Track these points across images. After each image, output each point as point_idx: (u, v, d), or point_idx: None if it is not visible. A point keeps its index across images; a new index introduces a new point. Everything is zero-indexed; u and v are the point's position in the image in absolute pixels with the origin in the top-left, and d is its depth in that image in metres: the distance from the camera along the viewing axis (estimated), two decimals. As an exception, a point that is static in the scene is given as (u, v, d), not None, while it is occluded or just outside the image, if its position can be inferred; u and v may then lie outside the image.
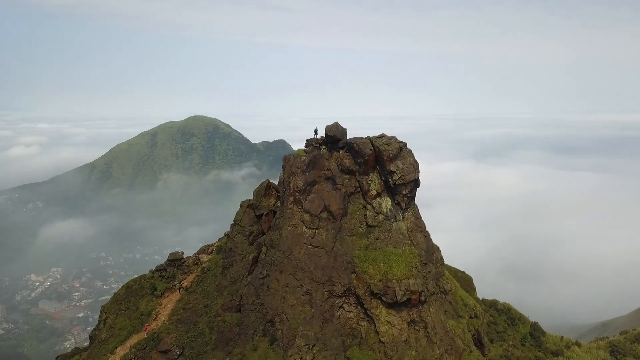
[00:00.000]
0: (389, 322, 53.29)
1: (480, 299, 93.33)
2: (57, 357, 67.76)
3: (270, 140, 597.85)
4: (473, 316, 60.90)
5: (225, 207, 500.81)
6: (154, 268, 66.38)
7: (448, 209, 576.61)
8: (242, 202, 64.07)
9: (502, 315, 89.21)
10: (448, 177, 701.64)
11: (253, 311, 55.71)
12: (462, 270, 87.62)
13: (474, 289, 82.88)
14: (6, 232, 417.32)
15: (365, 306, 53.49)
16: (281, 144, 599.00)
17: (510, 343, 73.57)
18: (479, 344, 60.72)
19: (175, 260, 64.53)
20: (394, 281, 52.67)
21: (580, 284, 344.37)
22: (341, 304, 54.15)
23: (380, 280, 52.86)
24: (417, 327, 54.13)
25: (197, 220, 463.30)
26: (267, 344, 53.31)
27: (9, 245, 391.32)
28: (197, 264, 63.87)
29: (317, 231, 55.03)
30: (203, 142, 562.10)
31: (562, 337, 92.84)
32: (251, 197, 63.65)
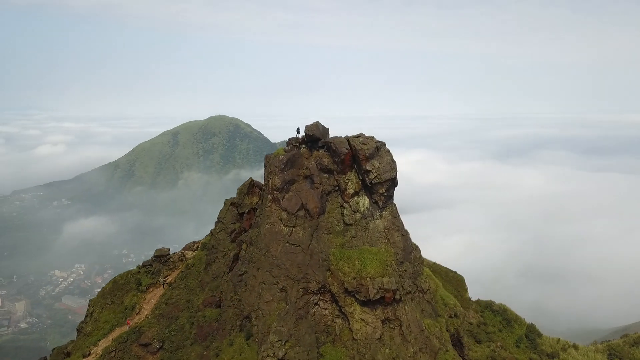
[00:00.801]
0: (362, 319, 53.78)
1: (476, 299, 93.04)
2: (53, 349, 70.07)
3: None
4: (453, 316, 60.94)
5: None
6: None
7: (469, 209, 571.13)
8: (226, 200, 65.39)
9: (498, 317, 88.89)
10: (470, 178, 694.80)
11: (231, 307, 56.88)
12: (453, 270, 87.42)
13: (466, 290, 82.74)
14: (32, 229, 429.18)
15: (339, 304, 54.13)
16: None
17: (499, 344, 73.26)
18: (459, 343, 60.73)
19: (161, 257, 66.19)
20: (368, 279, 53.12)
21: (603, 287, 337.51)
22: (316, 301, 54.86)
23: (354, 278, 53.38)
24: (392, 326, 54.48)
25: (216, 218, 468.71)
26: (243, 339, 54.37)
27: (35, 241, 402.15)
28: (182, 260, 65.39)
29: (294, 229, 55.85)
30: (224, 142, 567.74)
31: (559, 339, 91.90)
32: None
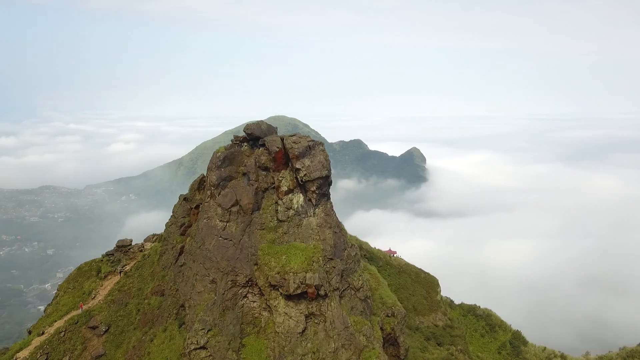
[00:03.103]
0: (286, 313, 55.37)
1: (459, 303, 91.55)
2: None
3: (347, 139, 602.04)
4: (390, 315, 61.02)
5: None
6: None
7: (531, 213, 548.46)
8: (180, 195, 68.79)
9: (481, 321, 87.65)
10: (535, 181, 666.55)
11: (170, 296, 60.26)
12: (426, 272, 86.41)
13: (437, 291, 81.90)
14: (100, 221, 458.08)
15: (265, 297, 56.02)
16: (357, 143, 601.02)
17: (459, 347, 72.17)
18: (395, 342, 60.77)
19: (123, 247, 70.82)
20: (291, 274, 54.60)
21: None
22: (245, 293, 57.02)
23: (278, 273, 55.04)
24: (316, 321, 55.68)
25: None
26: (176, 327, 57.54)
27: (101, 232, 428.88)
28: (141, 250, 69.63)
29: (228, 224, 58.31)
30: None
31: (545, 347, 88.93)
32: None
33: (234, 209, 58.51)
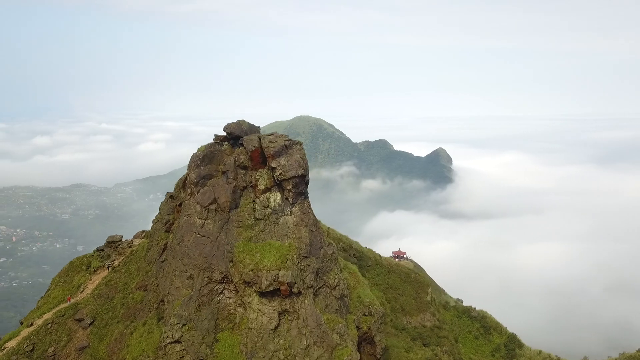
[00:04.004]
0: (259, 310, 56.26)
1: (453, 304, 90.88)
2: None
3: (372, 139, 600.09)
4: (367, 314, 61.22)
5: (323, 204, 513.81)
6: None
7: (560, 216, 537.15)
8: (167, 193, 70.39)
9: (475, 323, 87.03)
10: (565, 182, 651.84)
11: (152, 291, 61.85)
12: (416, 272, 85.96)
13: (427, 292, 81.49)
14: (128, 219, 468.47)
15: (240, 293, 57.00)
16: (382, 143, 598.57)
17: (444, 348, 71.77)
18: (372, 341, 60.95)
19: (113, 242, 72.90)
20: (264, 271, 55.47)
21: None
22: (221, 289, 58.09)
23: (251, 270, 55.95)
24: (289, 318, 56.41)
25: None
26: (155, 321, 59.03)
27: (128, 229, 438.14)
28: (129, 246, 71.57)
29: (206, 221, 59.52)
30: (307, 141, 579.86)
31: (540, 351, 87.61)
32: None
33: (212, 206, 59.67)
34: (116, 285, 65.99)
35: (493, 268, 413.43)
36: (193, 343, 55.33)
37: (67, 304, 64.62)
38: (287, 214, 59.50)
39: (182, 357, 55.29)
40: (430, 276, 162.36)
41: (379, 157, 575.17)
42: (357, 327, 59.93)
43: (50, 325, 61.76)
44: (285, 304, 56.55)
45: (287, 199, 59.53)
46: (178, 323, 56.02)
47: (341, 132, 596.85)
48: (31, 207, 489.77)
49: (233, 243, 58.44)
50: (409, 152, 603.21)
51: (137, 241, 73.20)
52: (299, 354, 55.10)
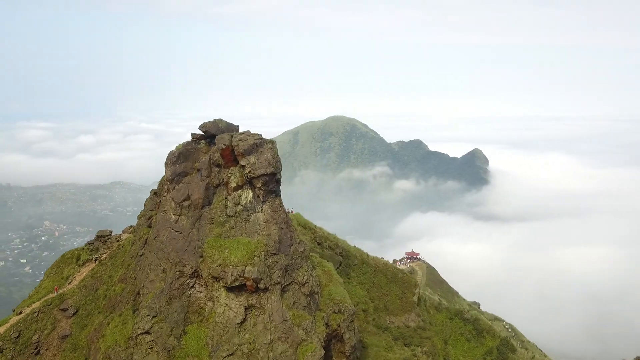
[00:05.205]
0: (226, 304, 57.58)
1: (446, 306, 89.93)
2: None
3: (406, 140, 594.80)
4: (337, 311, 61.52)
5: (354, 205, 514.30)
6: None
7: (602, 219, 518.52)
8: (152, 190, 72.58)
9: (468, 325, 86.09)
10: (610, 185, 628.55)
11: (130, 284, 64.11)
12: (404, 272, 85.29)
13: (414, 292, 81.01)
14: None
15: (208, 288, 58.45)
16: (417, 143, 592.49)
17: (425, 349, 71.34)
18: (342, 338, 61.25)
19: (102, 237, 75.85)
20: (231, 267, 56.75)
21: None
22: (192, 284, 59.68)
23: (219, 265, 57.33)
24: (256, 313, 57.50)
25: (325, 215, 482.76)
26: (130, 313, 61.18)
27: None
28: (117, 241, 74.23)
29: (180, 217, 61.30)
30: (340, 142, 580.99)
31: (534, 356, 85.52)
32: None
33: (186, 203, 61.39)
34: (101, 277, 68.70)
35: (528, 272, 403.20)
36: (162, 334, 57.13)
37: (54, 294, 67.71)
38: (258, 212, 60.57)
39: (152, 347, 57.20)
40: (444, 278, 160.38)
41: (414, 157, 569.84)
42: (326, 324, 60.35)
43: (36, 314, 64.92)
44: (252, 299, 57.66)
45: (258, 196, 60.60)
46: (149, 315, 57.95)
47: (375, 132, 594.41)
48: (73, 204, 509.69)
49: (204, 239, 59.95)
50: (445, 152, 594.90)
51: (124, 236, 75.93)
52: (263, 348, 56.08)
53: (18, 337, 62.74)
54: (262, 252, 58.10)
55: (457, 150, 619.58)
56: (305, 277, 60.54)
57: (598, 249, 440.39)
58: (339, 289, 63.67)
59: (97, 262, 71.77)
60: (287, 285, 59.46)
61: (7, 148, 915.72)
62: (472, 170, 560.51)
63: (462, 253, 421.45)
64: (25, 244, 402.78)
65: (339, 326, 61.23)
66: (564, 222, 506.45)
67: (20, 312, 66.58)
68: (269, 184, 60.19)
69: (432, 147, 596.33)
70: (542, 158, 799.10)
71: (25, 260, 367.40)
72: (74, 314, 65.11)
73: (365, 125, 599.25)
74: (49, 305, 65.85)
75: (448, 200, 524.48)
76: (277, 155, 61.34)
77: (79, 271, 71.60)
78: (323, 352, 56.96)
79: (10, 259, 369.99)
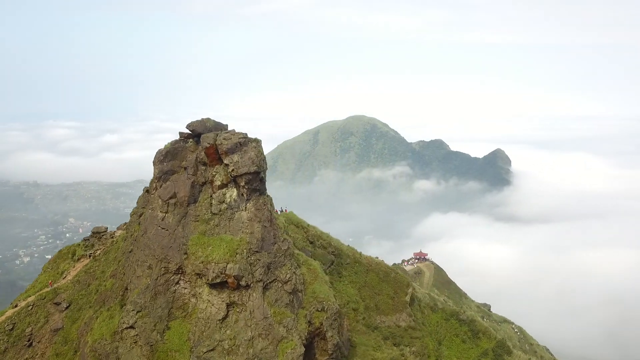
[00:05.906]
0: (209, 300, 58.51)
1: (442, 307, 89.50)
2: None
3: (427, 139, 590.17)
4: (320, 309, 61.78)
5: (373, 205, 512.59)
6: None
7: (627, 221, 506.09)
8: (144, 187, 73.94)
9: (464, 326, 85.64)
10: (637, 186, 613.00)
11: (119, 279, 65.53)
12: (397, 272, 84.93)
13: (407, 292, 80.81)
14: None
15: (192, 284, 59.44)
16: (438, 143, 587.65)
17: (413, 349, 71.19)
18: (325, 336, 61.50)
19: (98, 233, 77.66)
20: (213, 264, 57.64)
21: None
22: (177, 280, 60.76)
23: (202, 262, 58.28)
24: (237, 309, 58.27)
25: (344, 214, 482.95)
26: (118, 307, 62.58)
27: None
28: (112, 237, 75.90)
29: (166, 214, 62.47)
30: (360, 141, 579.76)
31: (530, 358, 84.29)
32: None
33: (172, 200, 62.53)
34: (94, 273, 70.40)
35: (548, 274, 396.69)
36: (145, 329, 58.33)
37: (49, 288, 69.66)
38: (242, 210, 61.29)
39: (136, 342, 58.47)
40: (454, 280, 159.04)
41: (435, 157, 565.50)
42: (309, 322, 60.67)
43: (31, 307, 66.94)
44: (233, 296, 58.44)
45: (242, 195, 61.33)
46: (134, 310, 59.26)
47: (395, 132, 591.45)
48: (97, 201, 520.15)
49: (189, 236, 60.98)
50: (467, 152, 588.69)
51: (119, 232, 77.58)
52: (243, 344, 56.77)
53: (12, 329, 64.81)
54: (245, 250, 58.81)
55: (479, 151, 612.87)
56: (289, 275, 61.01)
57: (621, 251, 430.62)
58: (324, 288, 63.94)
59: (91, 257, 73.55)
60: (270, 282, 60.03)
61: (34, 146, 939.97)
62: (494, 170, 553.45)
63: (481, 254, 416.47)
64: (50, 240, 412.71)
65: (321, 324, 61.49)
66: (587, 223, 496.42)
67: (16, 306, 68.69)
68: (253, 182, 60.84)
69: (454, 147, 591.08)
70: (568, 158, 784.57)
71: (50, 256, 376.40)
72: (67, 307, 66.89)
73: (386, 125, 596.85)
74: (43, 299, 67.79)
75: (469, 200, 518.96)
76: (262, 154, 61.95)
77: (74, 266, 73.49)
78: (303, 349, 57.38)
79: (36, 255, 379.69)
